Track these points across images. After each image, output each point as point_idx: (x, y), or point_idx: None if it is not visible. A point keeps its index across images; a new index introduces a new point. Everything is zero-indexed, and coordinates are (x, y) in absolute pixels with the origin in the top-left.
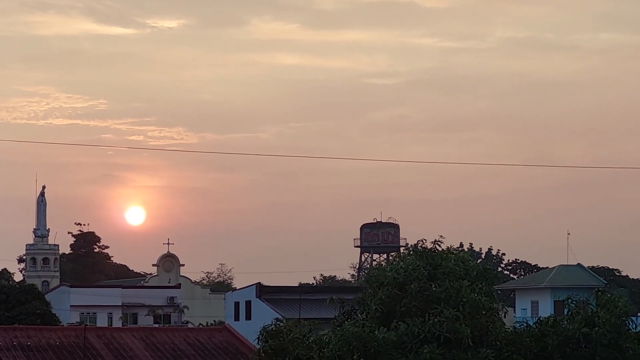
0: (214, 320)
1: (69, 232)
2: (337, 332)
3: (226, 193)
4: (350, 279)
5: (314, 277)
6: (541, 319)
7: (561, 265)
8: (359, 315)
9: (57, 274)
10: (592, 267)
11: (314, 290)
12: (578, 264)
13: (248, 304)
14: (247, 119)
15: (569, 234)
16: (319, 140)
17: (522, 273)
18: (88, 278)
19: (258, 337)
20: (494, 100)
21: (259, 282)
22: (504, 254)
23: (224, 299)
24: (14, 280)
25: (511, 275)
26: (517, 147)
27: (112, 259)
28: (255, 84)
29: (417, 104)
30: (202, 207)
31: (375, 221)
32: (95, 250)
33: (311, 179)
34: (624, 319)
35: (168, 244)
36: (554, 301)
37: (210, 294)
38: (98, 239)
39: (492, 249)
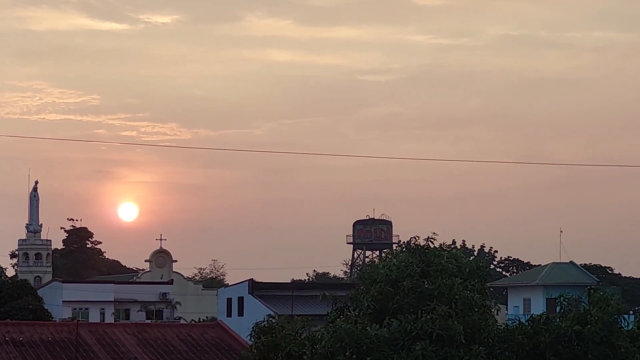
0: (206, 317)
1: (61, 228)
2: (329, 328)
3: (219, 189)
4: (342, 276)
5: (307, 274)
6: (534, 316)
7: (553, 262)
8: (352, 312)
9: (50, 269)
10: (585, 264)
11: (306, 287)
12: (570, 262)
13: (240, 300)
14: (241, 115)
15: (561, 231)
16: (312, 136)
17: (515, 270)
18: (80, 274)
19: (250, 334)
20: (487, 97)
21: (252, 279)
22: (496, 252)
23: (217, 295)
24: (6, 276)
25: (503, 273)
26: (509, 144)
27: (104, 254)
28: (248, 80)
29: (410, 101)
30: (195, 203)
31: (368, 218)
32: (87, 246)
33: (304, 175)
34: (616, 316)
35: (161, 239)
36: (547, 299)
37: (202, 290)
38: (91, 235)
39: (484, 247)
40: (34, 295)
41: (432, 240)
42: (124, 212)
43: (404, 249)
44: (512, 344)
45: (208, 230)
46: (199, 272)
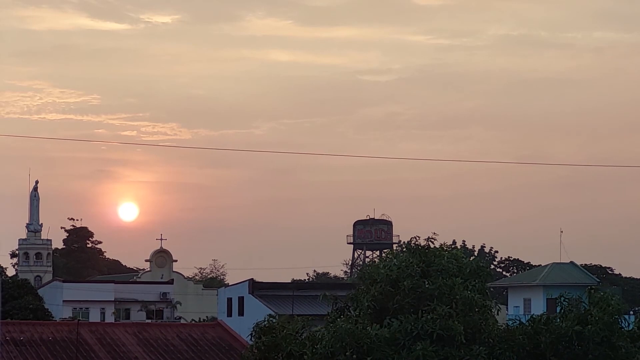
0: (207, 316)
1: (61, 227)
2: (329, 328)
3: (219, 189)
4: (343, 276)
5: (307, 274)
6: (534, 316)
7: (554, 263)
8: (352, 312)
9: (50, 269)
10: (585, 265)
11: (306, 287)
12: (571, 262)
13: (241, 300)
14: (241, 115)
15: (561, 231)
16: (312, 136)
17: (515, 271)
18: (81, 273)
19: (251, 333)
20: (487, 97)
21: (252, 278)
22: (496, 252)
23: (217, 295)
24: (7, 275)
25: (504, 273)
26: (509, 144)
27: (104, 254)
28: (248, 80)
29: (410, 101)
30: (195, 202)
31: (368, 218)
32: (88, 246)
33: (304, 175)
34: (616, 317)
35: (161, 239)
36: (547, 299)
37: (202, 289)
38: (91, 234)
39: (484, 247)
40: (34, 294)
41: (433, 240)
42: (124, 212)
43: (405, 249)
44: (512, 344)
45: (208, 230)
46: (199, 271)
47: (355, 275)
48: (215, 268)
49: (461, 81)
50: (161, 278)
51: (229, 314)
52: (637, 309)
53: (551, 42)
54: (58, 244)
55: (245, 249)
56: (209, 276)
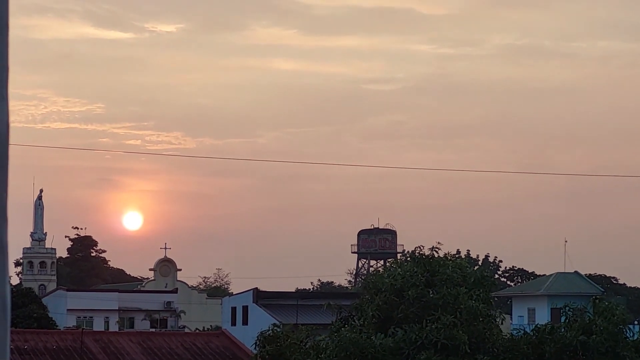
0: (211, 325)
1: (66, 236)
2: (334, 337)
3: (223, 198)
4: (347, 285)
5: (311, 283)
6: (538, 326)
7: (558, 272)
8: (356, 321)
9: (54, 277)
10: (589, 274)
11: (311, 296)
12: (575, 272)
13: (245, 309)
14: (245, 124)
15: (566, 241)
16: (316, 145)
17: (519, 280)
18: (85, 282)
19: (255, 343)
20: (491, 107)
21: (256, 287)
22: (501, 261)
23: (221, 304)
24: (11, 284)
25: (508, 283)
26: (514, 154)
27: (109, 263)
28: (253, 89)
29: (414, 110)
30: (200, 211)
31: (372, 227)
32: (92, 255)
33: (308, 184)
34: (621, 327)
35: (165, 248)
36: (551, 309)
37: (207, 298)
38: (95, 243)
39: (489, 256)
40: (38, 303)
41: (437, 249)
42: (129, 221)
43: (409, 259)
44: (517, 353)
45: (212, 239)
46: (204, 280)
47: (360, 285)
48: (220, 277)
49: (465, 90)
50: (165, 287)
51: (233, 323)
52: None
53: (555, 52)
54: (62, 252)
55: (249, 258)
56: (213, 285)
